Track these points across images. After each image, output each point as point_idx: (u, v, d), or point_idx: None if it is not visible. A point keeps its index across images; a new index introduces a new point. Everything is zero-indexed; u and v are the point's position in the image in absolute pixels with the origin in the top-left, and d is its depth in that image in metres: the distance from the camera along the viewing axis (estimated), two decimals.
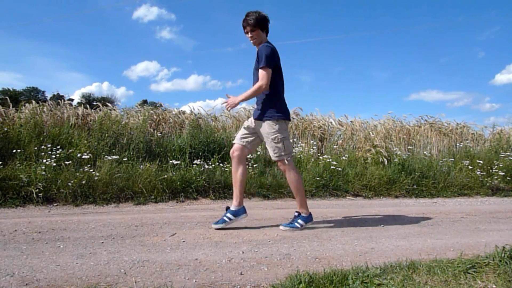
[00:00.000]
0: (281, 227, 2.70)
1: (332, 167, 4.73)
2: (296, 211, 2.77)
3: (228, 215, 2.67)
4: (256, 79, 2.65)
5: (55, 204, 3.36)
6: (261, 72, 2.56)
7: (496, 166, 5.55)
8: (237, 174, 2.71)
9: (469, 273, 1.74)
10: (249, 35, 2.63)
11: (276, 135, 2.62)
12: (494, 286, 1.63)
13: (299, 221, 2.71)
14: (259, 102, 2.70)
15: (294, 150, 5.40)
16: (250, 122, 2.78)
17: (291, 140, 6.06)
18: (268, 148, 2.71)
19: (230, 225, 2.67)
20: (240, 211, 2.70)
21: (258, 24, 2.61)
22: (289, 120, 2.76)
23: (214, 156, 4.60)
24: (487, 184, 5.19)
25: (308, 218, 2.75)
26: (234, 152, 2.73)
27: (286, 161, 2.65)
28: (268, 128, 2.64)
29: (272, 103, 2.65)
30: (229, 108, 2.70)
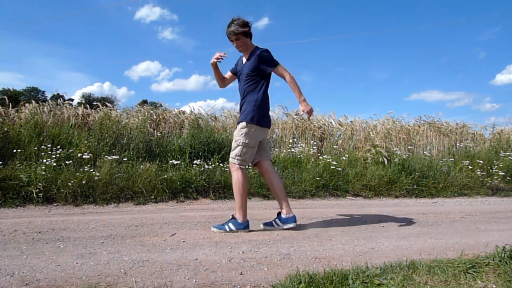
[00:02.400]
0: (212, 228, 2.64)
1: (332, 167, 4.73)
2: (232, 214, 2.68)
3: (277, 220, 2.71)
4: (244, 83, 2.68)
5: (55, 204, 3.36)
6: (279, 69, 2.64)
7: (496, 166, 5.55)
8: (272, 187, 2.76)
9: (469, 273, 1.74)
10: (234, 44, 2.66)
11: (240, 138, 2.60)
12: (494, 286, 1.63)
13: (230, 224, 2.62)
14: (241, 106, 2.73)
15: (293, 150, 5.40)
16: None
17: (291, 140, 6.06)
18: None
19: (274, 230, 2.69)
20: (288, 220, 2.70)
21: (241, 32, 2.62)
22: (264, 126, 2.66)
23: (214, 156, 4.60)
24: (487, 184, 5.19)
25: (241, 225, 2.62)
26: (258, 169, 2.85)
27: (237, 165, 2.62)
28: (237, 130, 2.65)
29: (251, 107, 2.63)
30: (311, 115, 2.70)
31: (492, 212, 3.81)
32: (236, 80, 2.85)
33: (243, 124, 2.61)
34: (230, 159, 2.67)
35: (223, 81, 2.89)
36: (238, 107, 2.79)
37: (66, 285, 1.63)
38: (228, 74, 2.90)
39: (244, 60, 2.73)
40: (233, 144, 2.66)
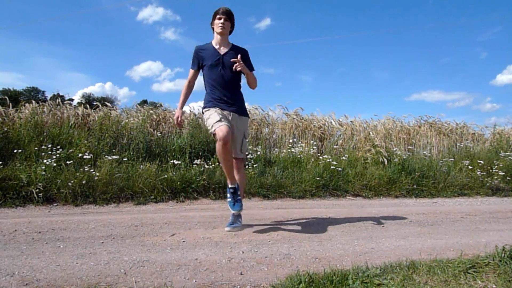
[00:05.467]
0: (226, 229, 2.60)
1: (332, 167, 4.73)
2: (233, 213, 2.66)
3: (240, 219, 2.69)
4: (232, 75, 2.64)
5: (55, 204, 3.36)
6: (254, 74, 2.72)
7: (496, 166, 5.55)
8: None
9: (469, 273, 1.74)
10: (222, 21, 2.62)
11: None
12: (494, 286, 1.63)
13: (240, 219, 2.67)
14: (234, 98, 2.75)
15: (293, 150, 5.40)
16: None
17: (291, 140, 6.06)
18: None
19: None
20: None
21: (232, 18, 2.69)
22: (218, 107, 2.63)
23: (214, 156, 4.60)
24: (487, 184, 5.19)
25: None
26: None
27: (214, 132, 2.50)
28: (245, 123, 2.76)
29: (244, 101, 2.79)
30: (238, 67, 2.60)
31: (492, 212, 3.81)
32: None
33: (247, 119, 2.75)
34: (211, 132, 2.59)
35: (192, 88, 2.83)
36: (221, 95, 2.65)
37: (66, 285, 1.63)
38: (194, 75, 2.76)
39: (223, 50, 2.65)
40: (206, 128, 2.72)
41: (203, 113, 2.71)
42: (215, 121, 2.51)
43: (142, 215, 3.08)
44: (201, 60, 2.69)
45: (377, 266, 1.82)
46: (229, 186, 2.64)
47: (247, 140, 2.77)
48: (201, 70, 2.75)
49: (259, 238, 2.47)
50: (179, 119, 2.72)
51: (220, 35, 2.65)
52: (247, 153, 4.92)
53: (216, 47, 2.67)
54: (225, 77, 2.64)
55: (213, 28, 2.71)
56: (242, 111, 2.71)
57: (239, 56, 2.58)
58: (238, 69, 2.58)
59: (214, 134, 2.51)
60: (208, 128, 2.59)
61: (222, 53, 2.64)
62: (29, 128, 4.51)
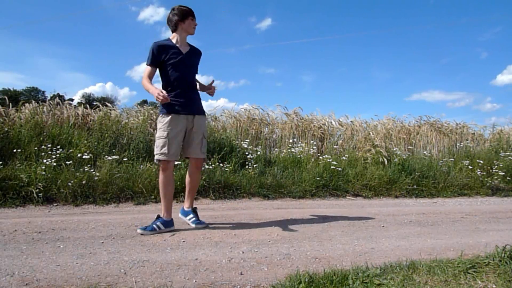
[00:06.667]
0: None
1: (332, 167, 4.73)
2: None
3: (159, 223, 2.54)
4: (193, 74, 2.71)
5: (55, 204, 3.36)
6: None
7: (496, 166, 5.55)
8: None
9: (469, 273, 1.74)
10: (195, 23, 2.67)
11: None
12: (494, 286, 1.63)
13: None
14: (193, 97, 2.73)
15: (293, 150, 5.40)
16: None
17: (291, 140, 6.06)
18: None
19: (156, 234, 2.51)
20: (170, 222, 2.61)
21: None
22: (174, 113, 2.55)
23: (214, 156, 4.60)
24: (487, 184, 5.19)
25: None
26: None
27: (156, 161, 2.56)
28: (204, 121, 2.73)
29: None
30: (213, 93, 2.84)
31: (492, 212, 3.81)
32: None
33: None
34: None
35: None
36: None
37: (66, 285, 1.63)
38: (153, 72, 2.60)
39: (184, 49, 2.63)
40: (203, 140, 2.66)
41: (158, 118, 2.61)
42: (165, 147, 2.50)
43: (142, 215, 3.08)
44: (163, 57, 2.55)
45: (377, 266, 1.82)
46: (166, 218, 2.57)
47: (206, 140, 2.69)
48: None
49: (259, 238, 2.47)
50: (163, 91, 2.35)
51: (189, 35, 2.68)
52: (248, 154, 4.92)
53: (177, 45, 2.61)
54: (186, 76, 2.62)
55: (179, 26, 2.60)
56: (200, 111, 2.69)
57: (214, 81, 2.81)
58: (213, 94, 2.81)
59: (159, 160, 2.54)
60: (156, 147, 2.55)
61: (184, 52, 2.62)
62: (29, 128, 4.51)
